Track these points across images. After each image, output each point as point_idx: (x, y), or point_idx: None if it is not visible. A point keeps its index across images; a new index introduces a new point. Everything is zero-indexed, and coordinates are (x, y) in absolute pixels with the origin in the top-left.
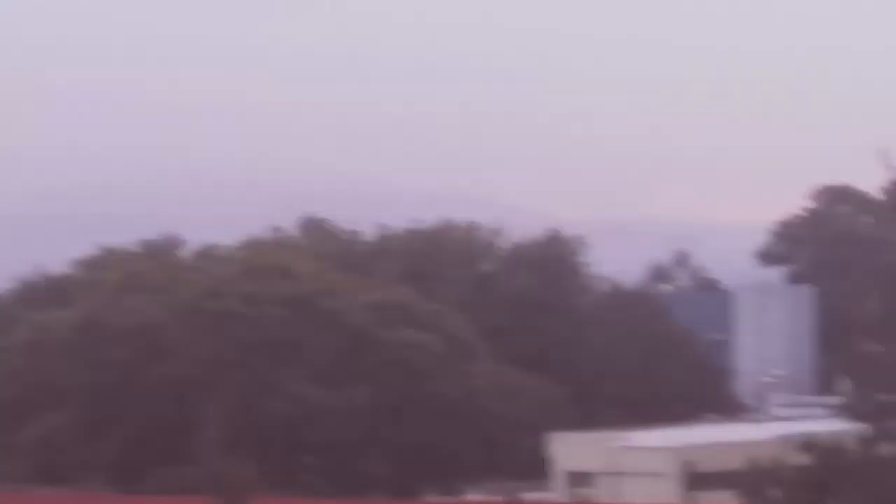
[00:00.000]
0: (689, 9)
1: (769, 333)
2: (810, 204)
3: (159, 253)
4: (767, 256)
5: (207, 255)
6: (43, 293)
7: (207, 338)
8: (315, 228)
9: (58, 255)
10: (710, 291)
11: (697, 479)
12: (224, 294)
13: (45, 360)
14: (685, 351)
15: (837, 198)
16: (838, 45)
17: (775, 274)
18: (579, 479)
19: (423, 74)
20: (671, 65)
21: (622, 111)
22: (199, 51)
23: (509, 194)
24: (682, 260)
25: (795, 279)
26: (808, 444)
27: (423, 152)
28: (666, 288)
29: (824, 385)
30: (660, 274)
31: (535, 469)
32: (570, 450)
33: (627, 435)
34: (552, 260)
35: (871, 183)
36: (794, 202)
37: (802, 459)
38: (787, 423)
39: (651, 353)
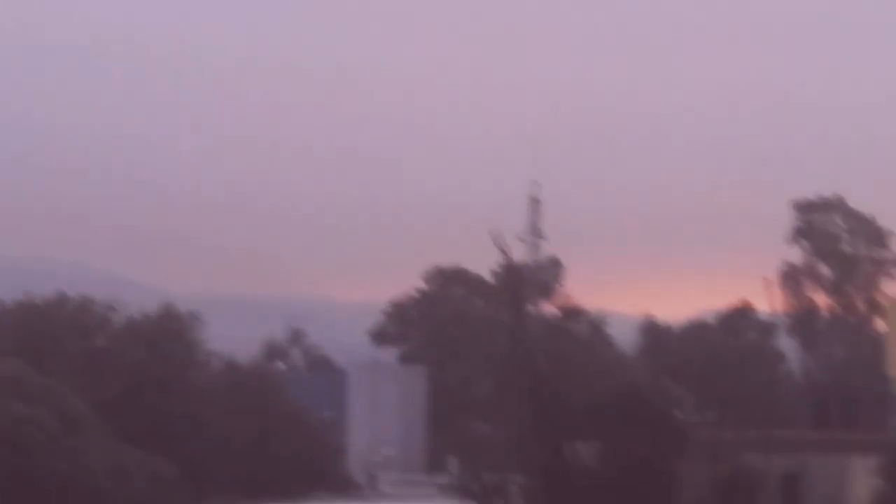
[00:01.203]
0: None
1: (381, 412)
2: (423, 285)
3: None
4: (381, 336)
5: None
6: None
7: None
8: None
9: None
10: (324, 370)
11: None
12: None
13: None
14: (298, 428)
15: (450, 280)
16: (463, 120)
17: (388, 353)
18: None
19: (37, 153)
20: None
21: (244, 187)
22: None
23: (124, 268)
24: (296, 338)
25: (408, 359)
26: None
27: (35, 224)
28: (280, 365)
29: (434, 464)
30: (274, 351)
31: None
32: None
33: None
34: (166, 335)
35: (483, 266)
36: (407, 283)
37: None
38: (396, 501)
39: (264, 429)
